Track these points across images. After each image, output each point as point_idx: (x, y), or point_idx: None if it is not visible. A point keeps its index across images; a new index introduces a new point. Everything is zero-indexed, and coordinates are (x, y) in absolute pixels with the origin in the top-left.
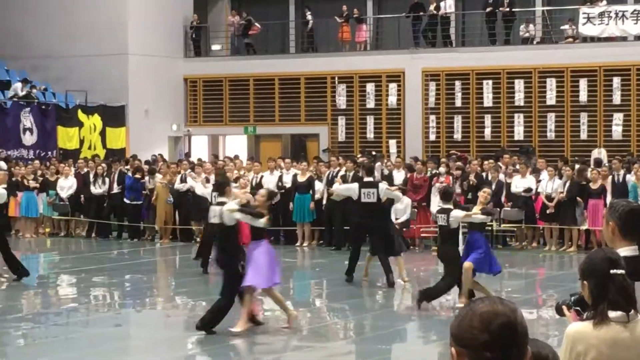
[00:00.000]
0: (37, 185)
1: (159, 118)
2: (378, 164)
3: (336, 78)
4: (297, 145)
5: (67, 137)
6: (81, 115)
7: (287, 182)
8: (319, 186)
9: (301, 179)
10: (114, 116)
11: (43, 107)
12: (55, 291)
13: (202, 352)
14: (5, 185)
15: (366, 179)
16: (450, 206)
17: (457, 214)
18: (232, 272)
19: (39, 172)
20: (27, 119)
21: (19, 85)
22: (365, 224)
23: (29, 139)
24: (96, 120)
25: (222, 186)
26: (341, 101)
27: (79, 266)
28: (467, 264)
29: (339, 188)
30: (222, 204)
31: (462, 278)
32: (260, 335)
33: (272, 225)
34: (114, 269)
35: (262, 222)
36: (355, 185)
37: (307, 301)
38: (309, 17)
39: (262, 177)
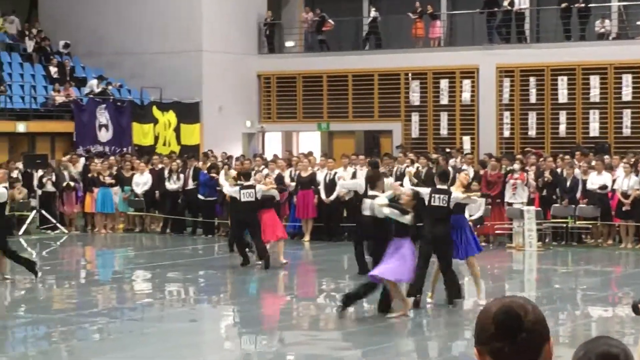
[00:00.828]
0: (113, 181)
1: (232, 115)
2: (452, 160)
3: (410, 74)
4: (371, 141)
5: (142, 134)
6: (156, 112)
7: (361, 177)
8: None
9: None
10: (188, 113)
11: (118, 103)
12: (130, 286)
13: (276, 346)
14: (6, 184)
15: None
16: (447, 187)
17: (459, 194)
18: (379, 259)
19: (115, 168)
20: (102, 116)
21: (94, 82)
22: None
23: (104, 135)
24: (171, 116)
25: (373, 180)
26: (415, 97)
27: (153, 262)
28: (472, 260)
29: (344, 184)
30: (373, 197)
31: (474, 273)
32: (329, 332)
33: (343, 221)
34: (188, 264)
35: (407, 218)
36: (362, 180)
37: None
38: (373, 13)
39: (335, 173)
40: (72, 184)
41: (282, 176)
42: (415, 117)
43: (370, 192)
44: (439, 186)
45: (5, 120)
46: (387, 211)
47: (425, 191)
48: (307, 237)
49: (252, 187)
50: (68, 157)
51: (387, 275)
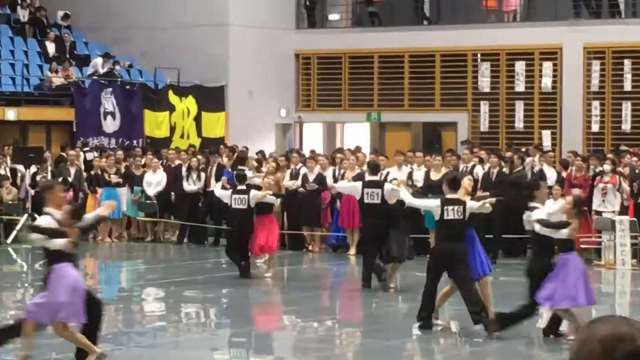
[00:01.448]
0: (120, 180)
1: (264, 101)
2: (529, 159)
3: (478, 55)
4: (430, 135)
5: (155, 124)
6: (172, 98)
7: (418, 180)
8: None
9: (435, 176)
10: (211, 99)
11: (127, 87)
12: (140, 307)
13: None
14: None
15: (369, 178)
16: (459, 196)
17: (474, 204)
18: (539, 279)
19: (123, 165)
20: (108, 101)
21: (99, 60)
22: (375, 229)
23: (110, 124)
24: (190, 103)
25: (532, 189)
26: (484, 83)
27: (167, 277)
28: (486, 279)
29: (342, 186)
30: (532, 209)
31: (486, 294)
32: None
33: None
34: (209, 281)
35: (564, 232)
36: (359, 184)
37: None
38: None
39: (387, 173)
40: (69, 179)
41: (324, 176)
42: (484, 107)
43: (530, 204)
44: (449, 195)
45: None
46: (537, 228)
47: (433, 203)
48: (352, 251)
49: (246, 192)
50: (74, 151)
51: (557, 304)
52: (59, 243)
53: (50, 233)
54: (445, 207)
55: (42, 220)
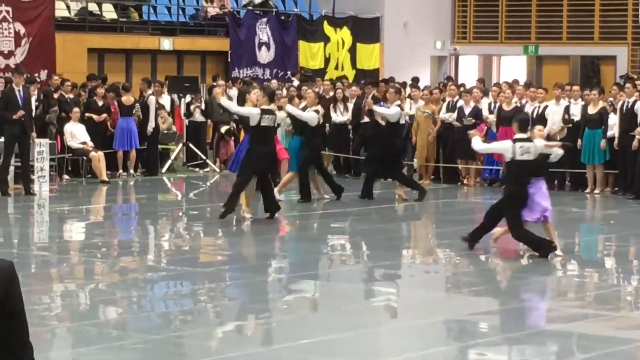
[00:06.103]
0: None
1: (420, 33)
2: None
3: None
4: (589, 69)
5: (309, 54)
6: (327, 29)
7: (575, 114)
8: (613, 120)
9: (592, 110)
10: (366, 30)
11: (282, 17)
12: (295, 237)
13: (469, 315)
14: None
15: None
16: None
17: (281, 115)
18: None
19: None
20: (263, 32)
21: None
22: None
23: (265, 55)
24: (345, 34)
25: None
26: None
27: (317, 209)
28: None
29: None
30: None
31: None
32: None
33: (555, 167)
34: (360, 213)
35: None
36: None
37: (596, 260)
38: None
39: (545, 107)
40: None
41: (479, 109)
42: None
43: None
44: (268, 108)
45: (147, 35)
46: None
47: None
48: None
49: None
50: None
51: None
52: None
53: None
54: (263, 116)
55: None
